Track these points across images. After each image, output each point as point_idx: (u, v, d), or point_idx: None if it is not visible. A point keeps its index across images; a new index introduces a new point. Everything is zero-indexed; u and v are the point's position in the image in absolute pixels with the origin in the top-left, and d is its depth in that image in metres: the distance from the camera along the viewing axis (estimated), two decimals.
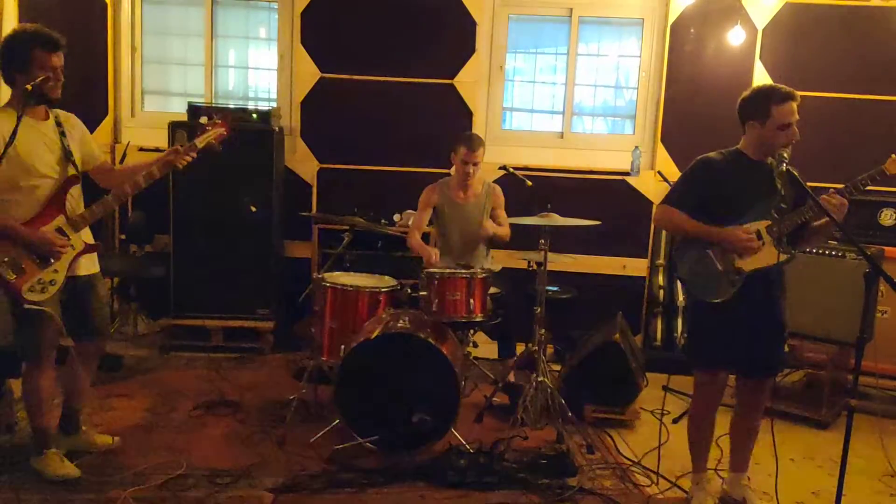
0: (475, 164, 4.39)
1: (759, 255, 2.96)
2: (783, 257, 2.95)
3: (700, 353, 3.16)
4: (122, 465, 3.30)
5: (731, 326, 3.01)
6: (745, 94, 3.04)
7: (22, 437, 3.53)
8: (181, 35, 5.70)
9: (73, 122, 3.20)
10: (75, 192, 3.13)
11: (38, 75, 2.90)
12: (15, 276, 2.90)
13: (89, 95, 5.17)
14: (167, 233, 5.05)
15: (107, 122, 5.36)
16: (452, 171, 4.64)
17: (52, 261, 2.99)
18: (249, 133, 4.94)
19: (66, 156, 3.08)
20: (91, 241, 3.18)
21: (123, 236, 5.47)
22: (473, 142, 4.39)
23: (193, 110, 4.98)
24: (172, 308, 5.05)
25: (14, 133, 2.80)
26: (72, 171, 3.10)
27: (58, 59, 2.99)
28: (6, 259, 2.90)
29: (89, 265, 3.21)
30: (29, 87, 2.85)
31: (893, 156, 2.90)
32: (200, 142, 3.25)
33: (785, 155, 2.88)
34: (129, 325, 5.36)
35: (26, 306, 2.91)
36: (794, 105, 2.92)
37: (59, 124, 3.11)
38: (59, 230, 3.02)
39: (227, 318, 5.05)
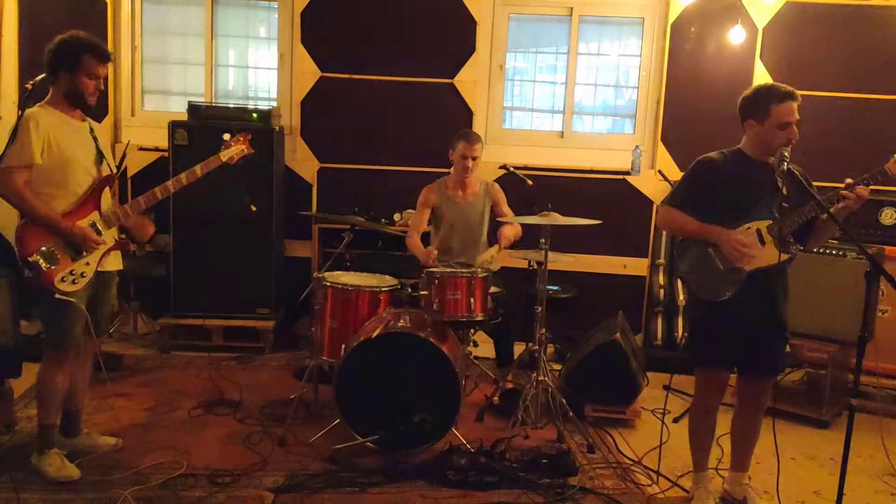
0: (474, 159, 4.38)
1: (760, 254, 2.95)
2: (784, 257, 2.94)
3: (701, 352, 3.16)
4: (122, 464, 3.30)
5: (733, 326, 3.01)
6: (746, 92, 3.03)
7: (22, 436, 3.54)
8: (181, 34, 5.70)
9: (101, 132, 3.35)
10: (108, 190, 3.26)
11: (81, 79, 3.05)
12: (49, 267, 3.00)
13: None
14: (167, 232, 5.04)
15: (107, 122, 5.36)
16: (452, 170, 4.64)
17: (85, 254, 3.09)
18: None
19: (100, 156, 3.22)
20: (118, 237, 3.28)
21: (123, 236, 5.45)
22: (471, 136, 4.41)
23: (193, 110, 4.98)
24: (172, 307, 5.04)
25: (17, 123, 2.86)
26: (106, 170, 3.23)
27: (103, 70, 3.13)
28: (43, 249, 3.00)
29: (115, 262, 3.33)
30: (29, 85, 2.92)
31: (895, 156, 2.89)
32: (224, 156, 3.42)
33: (786, 154, 2.86)
34: (129, 324, 5.36)
35: (57, 296, 3.01)
36: (794, 105, 2.90)
37: (91, 129, 3.25)
38: (93, 225, 3.13)
39: (228, 317, 5.04)
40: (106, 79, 3.19)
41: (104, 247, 3.17)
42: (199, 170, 3.34)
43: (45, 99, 3.11)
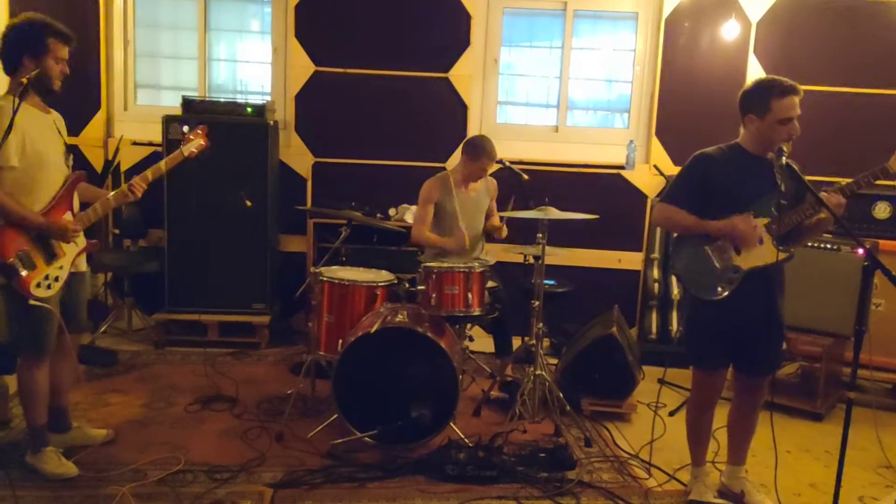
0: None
1: (757, 252, 2.91)
2: (783, 256, 2.89)
3: (698, 352, 3.12)
4: (119, 461, 3.29)
5: (729, 325, 2.98)
6: (746, 86, 2.98)
7: (17, 432, 3.51)
8: (174, 28, 5.66)
9: (63, 123, 3.22)
10: (78, 189, 3.15)
11: (48, 64, 2.91)
12: (27, 272, 2.89)
13: (82, 89, 5.11)
14: (161, 227, 5.02)
15: (99, 116, 5.32)
16: (452, 165, 4.62)
17: (58, 256, 2.99)
18: (244, 127, 4.92)
19: (68, 151, 3.11)
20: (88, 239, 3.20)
21: (117, 231, 5.44)
22: (494, 153, 4.39)
23: (187, 104, 4.95)
24: (167, 303, 5.03)
25: (13, 116, 2.74)
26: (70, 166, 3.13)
27: (67, 53, 3.01)
28: (20, 253, 2.88)
29: (83, 261, 3.25)
30: (24, 80, 2.82)
31: None
32: (186, 150, 3.37)
33: (785, 149, 2.83)
34: (124, 320, 5.33)
35: (32, 302, 2.89)
36: (796, 99, 2.85)
37: (55, 121, 3.12)
38: None
39: (223, 312, 5.03)
40: (98, 72, 3.12)
41: (77, 248, 3.08)
42: (163, 165, 3.26)
43: (7, 90, 2.95)
